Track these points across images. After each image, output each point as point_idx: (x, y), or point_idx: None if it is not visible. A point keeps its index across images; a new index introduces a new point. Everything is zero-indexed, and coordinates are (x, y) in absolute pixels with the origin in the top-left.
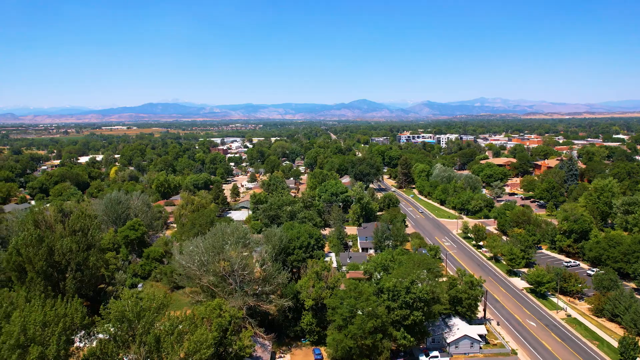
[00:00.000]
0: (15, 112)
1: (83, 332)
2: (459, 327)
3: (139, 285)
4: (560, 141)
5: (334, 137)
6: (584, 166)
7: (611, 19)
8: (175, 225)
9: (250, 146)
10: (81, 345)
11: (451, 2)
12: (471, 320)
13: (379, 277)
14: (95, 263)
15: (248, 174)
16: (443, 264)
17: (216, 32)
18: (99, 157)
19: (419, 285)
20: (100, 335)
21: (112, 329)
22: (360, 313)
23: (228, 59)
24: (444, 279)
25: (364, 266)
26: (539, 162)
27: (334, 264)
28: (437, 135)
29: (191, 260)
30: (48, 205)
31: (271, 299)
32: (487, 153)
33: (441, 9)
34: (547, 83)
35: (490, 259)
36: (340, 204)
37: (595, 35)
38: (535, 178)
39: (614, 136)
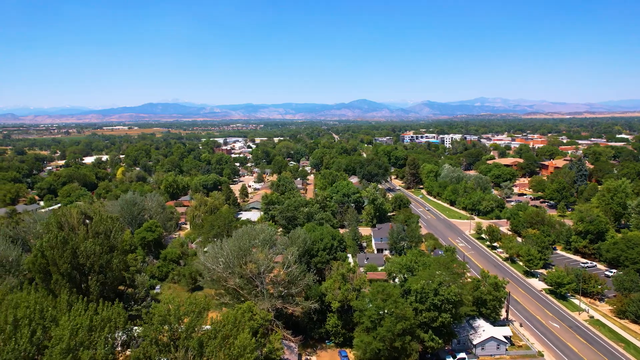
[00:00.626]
0: (15, 112)
1: (125, 336)
2: (484, 329)
3: (157, 287)
4: (564, 141)
5: (336, 137)
6: (591, 166)
7: (611, 18)
8: (186, 225)
9: (254, 146)
10: (121, 349)
11: (451, 2)
12: (495, 321)
13: (404, 278)
14: (118, 265)
15: (254, 175)
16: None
17: (216, 32)
18: (104, 158)
19: (447, 287)
20: (140, 339)
21: (154, 333)
22: (388, 315)
23: (228, 59)
24: (468, 280)
25: (388, 267)
26: (545, 163)
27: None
28: (441, 135)
29: (216, 262)
30: (58, 205)
31: (297, 301)
32: (492, 153)
33: (441, 9)
34: (547, 83)
35: (505, 259)
36: (352, 204)
37: (595, 35)
38: (544, 178)
39: (618, 136)
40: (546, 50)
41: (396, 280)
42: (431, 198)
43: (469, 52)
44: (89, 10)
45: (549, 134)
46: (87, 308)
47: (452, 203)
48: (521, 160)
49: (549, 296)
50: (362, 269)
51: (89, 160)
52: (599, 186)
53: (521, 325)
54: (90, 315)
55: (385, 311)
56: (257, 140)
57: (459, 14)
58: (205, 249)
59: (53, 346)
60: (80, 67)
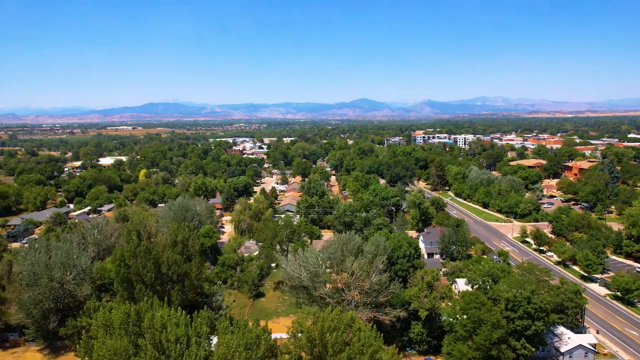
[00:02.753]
0: (16, 112)
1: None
2: (569, 337)
3: (218, 293)
4: (577, 141)
5: (348, 140)
6: (617, 167)
7: (613, 17)
8: (224, 229)
9: (264, 147)
10: None
11: (451, 1)
12: (574, 328)
13: (487, 286)
14: (196, 274)
15: (274, 176)
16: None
17: (217, 32)
18: (123, 159)
19: (539, 295)
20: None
21: (298, 350)
22: (484, 324)
23: (228, 59)
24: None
25: (470, 276)
26: (569, 164)
27: None
28: (453, 136)
29: (300, 271)
30: (88, 208)
31: (386, 311)
32: (510, 154)
33: (441, 8)
34: (548, 82)
35: (557, 263)
36: (392, 207)
37: (596, 34)
38: (572, 180)
39: (629, 136)
40: (546, 49)
41: (475, 287)
42: (461, 200)
43: (469, 51)
44: (90, 10)
45: (559, 134)
46: (232, 324)
47: (485, 205)
48: (543, 162)
49: (615, 302)
50: None
51: (104, 161)
52: (637, 188)
53: (598, 332)
54: (243, 333)
55: (481, 320)
56: (266, 140)
57: (461, 13)
58: (300, 259)
59: None
60: (81, 67)
